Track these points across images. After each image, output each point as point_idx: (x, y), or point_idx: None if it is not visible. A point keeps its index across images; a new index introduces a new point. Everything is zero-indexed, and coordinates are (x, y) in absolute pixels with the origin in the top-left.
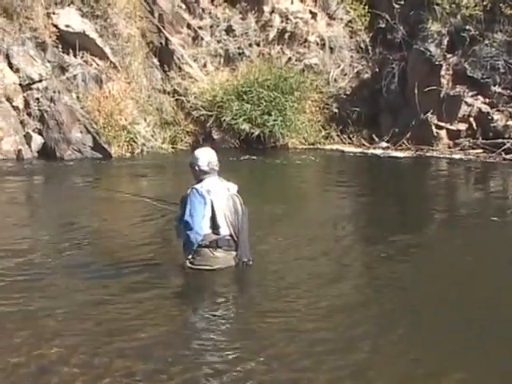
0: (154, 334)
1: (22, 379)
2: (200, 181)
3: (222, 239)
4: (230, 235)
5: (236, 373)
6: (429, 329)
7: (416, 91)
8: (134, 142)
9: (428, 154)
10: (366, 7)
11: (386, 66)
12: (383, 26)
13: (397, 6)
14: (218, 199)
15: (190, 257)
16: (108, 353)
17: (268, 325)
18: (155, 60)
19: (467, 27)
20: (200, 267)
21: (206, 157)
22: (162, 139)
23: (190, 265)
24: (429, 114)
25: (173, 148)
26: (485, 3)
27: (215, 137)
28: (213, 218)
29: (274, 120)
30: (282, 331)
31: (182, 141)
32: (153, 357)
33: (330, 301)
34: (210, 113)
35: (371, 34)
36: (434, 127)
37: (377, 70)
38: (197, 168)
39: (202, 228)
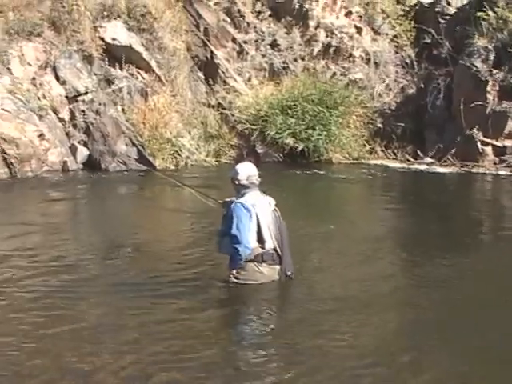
0: (203, 351)
1: None
2: (242, 195)
3: (267, 253)
4: (274, 249)
5: None
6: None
7: (461, 107)
8: (179, 154)
9: (473, 171)
10: (412, 22)
11: (431, 82)
12: (429, 41)
13: (443, 21)
14: (262, 213)
15: (234, 272)
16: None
17: (315, 342)
18: (200, 73)
19: None
20: (245, 282)
21: (246, 171)
22: (206, 152)
23: (235, 280)
24: (474, 130)
25: (217, 161)
26: None
27: (259, 151)
28: (258, 232)
29: (319, 134)
30: (328, 349)
31: (225, 154)
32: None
33: (376, 321)
34: (254, 127)
35: (416, 49)
36: (479, 143)
37: (422, 85)
38: (237, 182)
39: (249, 242)
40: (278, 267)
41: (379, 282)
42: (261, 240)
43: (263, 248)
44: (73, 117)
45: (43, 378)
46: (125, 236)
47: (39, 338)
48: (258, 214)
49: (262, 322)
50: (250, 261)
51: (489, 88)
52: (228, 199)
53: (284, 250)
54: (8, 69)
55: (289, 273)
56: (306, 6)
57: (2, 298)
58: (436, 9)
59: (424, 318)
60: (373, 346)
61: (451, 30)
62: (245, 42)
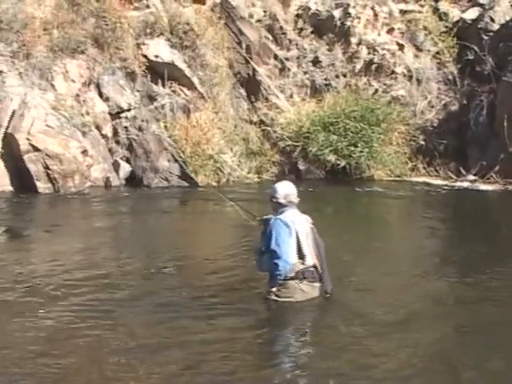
0: (241, 372)
1: None
2: (280, 213)
3: (307, 270)
4: (314, 266)
5: None
6: None
7: (505, 123)
8: (221, 171)
9: None
10: (455, 39)
11: (474, 98)
12: (471, 57)
13: (486, 38)
14: (301, 229)
15: (274, 289)
16: None
17: (357, 364)
18: (242, 90)
19: None
20: (285, 299)
21: (284, 190)
22: (248, 169)
23: (275, 297)
24: None
25: (258, 178)
26: None
27: (301, 167)
28: (298, 248)
29: (361, 151)
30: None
31: (267, 171)
32: None
33: (419, 343)
34: (296, 143)
35: (459, 66)
36: None
37: (465, 102)
38: (275, 200)
39: (289, 256)
40: (318, 284)
41: (426, 302)
42: (301, 256)
43: (303, 264)
44: (115, 133)
45: None
46: (168, 253)
47: (87, 357)
48: (298, 230)
49: (302, 343)
50: (291, 278)
51: None
52: (266, 217)
53: (323, 267)
54: (52, 85)
55: (328, 290)
56: (348, 23)
57: (50, 317)
58: (479, 25)
59: (477, 339)
60: (419, 368)
61: (494, 46)
62: (287, 59)
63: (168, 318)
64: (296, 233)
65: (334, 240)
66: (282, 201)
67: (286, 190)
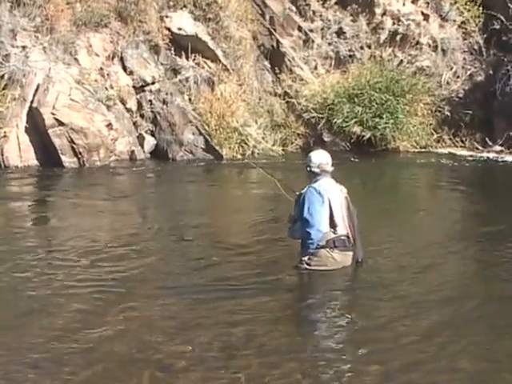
0: (276, 338)
1: None
2: (314, 182)
3: (338, 239)
4: (347, 235)
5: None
6: None
7: None
8: (245, 143)
9: None
10: (481, 8)
11: (500, 68)
12: (498, 27)
13: None
14: (334, 199)
15: (306, 258)
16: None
17: (385, 333)
18: (266, 62)
19: None
20: (317, 268)
21: (318, 159)
22: (273, 141)
23: (306, 266)
24: None
25: (283, 150)
26: None
27: (326, 139)
28: (331, 217)
29: (386, 123)
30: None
31: (292, 143)
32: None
33: (446, 314)
34: (321, 115)
35: (485, 36)
36: None
37: (491, 72)
38: (309, 169)
39: (322, 225)
40: (350, 253)
41: (448, 270)
42: (333, 225)
43: (335, 233)
44: (140, 107)
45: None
46: (196, 224)
47: (117, 327)
48: (331, 199)
49: (331, 312)
50: (322, 247)
51: None
52: (299, 194)
53: (356, 237)
54: (76, 59)
55: (360, 259)
56: None
57: (71, 292)
58: None
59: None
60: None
61: None
62: (311, 31)
63: (197, 292)
64: (329, 201)
65: (362, 210)
66: (315, 170)
67: (320, 158)
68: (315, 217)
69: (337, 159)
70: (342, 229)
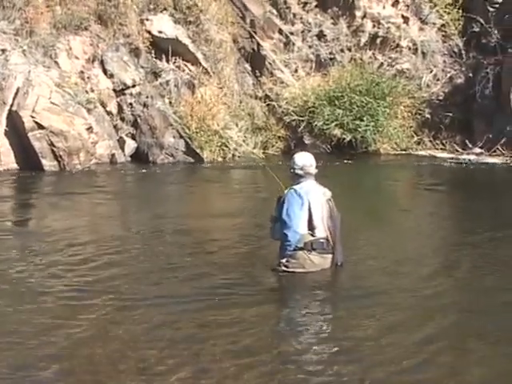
0: (244, 341)
1: None
2: (297, 184)
3: (317, 242)
4: (326, 238)
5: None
6: None
7: (511, 96)
8: (226, 146)
9: None
10: (460, 11)
11: (479, 71)
12: (477, 29)
13: (491, 10)
14: (315, 201)
15: (284, 260)
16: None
17: (364, 330)
18: (247, 65)
19: None
20: (294, 270)
21: (301, 161)
22: (254, 144)
23: (284, 268)
24: None
25: (264, 153)
26: None
27: (307, 142)
28: (310, 220)
29: (366, 125)
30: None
31: (273, 146)
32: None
33: (432, 312)
34: (302, 118)
35: (465, 39)
36: None
37: (470, 74)
38: (292, 171)
39: (299, 227)
40: (329, 256)
41: (429, 267)
42: (311, 227)
43: (313, 235)
44: (120, 110)
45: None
46: (175, 225)
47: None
48: (311, 202)
49: (308, 313)
50: (300, 249)
51: None
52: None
53: (336, 240)
54: (56, 62)
55: (339, 263)
56: None
57: (60, 296)
58: None
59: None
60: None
61: (500, 18)
62: (291, 34)
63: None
64: (308, 204)
65: (342, 213)
66: (299, 172)
67: (304, 160)
68: (293, 219)
69: (317, 161)
70: (321, 231)
